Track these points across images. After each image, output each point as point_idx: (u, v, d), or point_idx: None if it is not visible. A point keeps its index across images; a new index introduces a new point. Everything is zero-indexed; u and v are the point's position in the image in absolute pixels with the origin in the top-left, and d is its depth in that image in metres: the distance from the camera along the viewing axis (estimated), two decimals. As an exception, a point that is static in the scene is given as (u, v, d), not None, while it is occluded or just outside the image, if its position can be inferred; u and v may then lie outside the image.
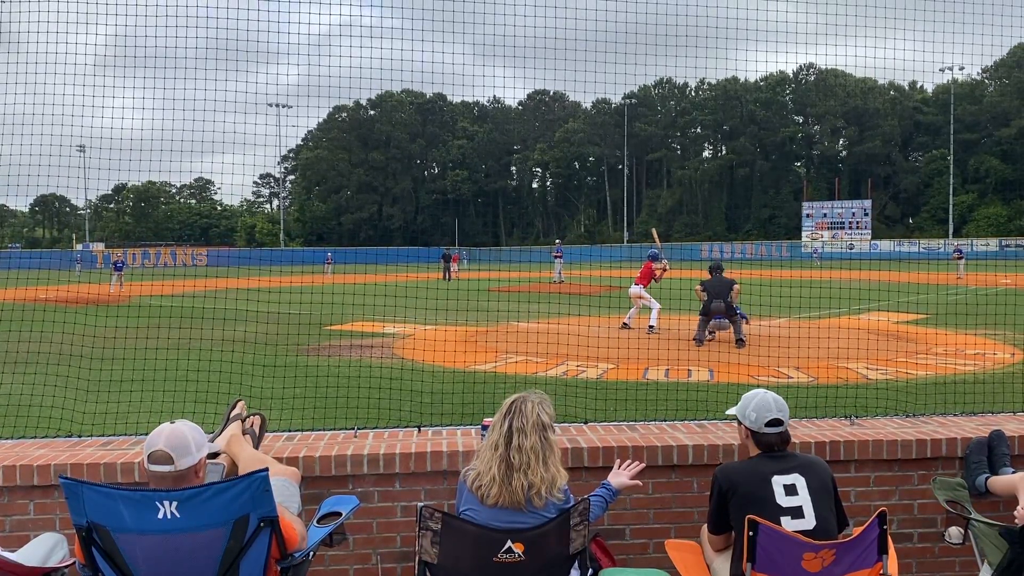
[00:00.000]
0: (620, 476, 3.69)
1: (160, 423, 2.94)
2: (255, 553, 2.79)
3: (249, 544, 2.77)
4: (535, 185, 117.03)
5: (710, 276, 15.42)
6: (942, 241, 71.07)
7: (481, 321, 15.90)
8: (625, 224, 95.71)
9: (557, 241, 45.38)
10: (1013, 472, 4.04)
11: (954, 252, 34.86)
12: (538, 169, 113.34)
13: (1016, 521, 3.34)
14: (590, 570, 3.16)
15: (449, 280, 36.68)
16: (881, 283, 26.04)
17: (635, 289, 16.93)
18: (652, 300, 16.53)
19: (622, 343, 13.09)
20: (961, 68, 68.11)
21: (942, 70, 69.14)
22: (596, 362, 11.98)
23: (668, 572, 3.30)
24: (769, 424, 3.31)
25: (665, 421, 4.87)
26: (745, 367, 10.97)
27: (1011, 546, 3.28)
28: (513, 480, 3.02)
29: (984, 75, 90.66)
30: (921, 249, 68.44)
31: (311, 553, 3.11)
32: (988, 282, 29.76)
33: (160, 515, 2.66)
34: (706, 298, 14.85)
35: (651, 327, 16.11)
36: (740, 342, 14.50)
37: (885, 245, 71.46)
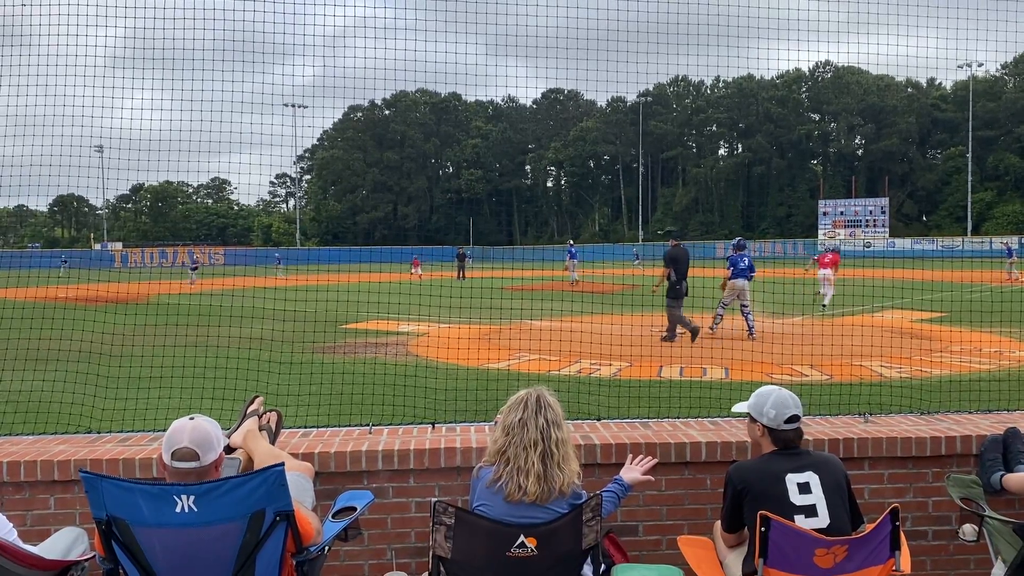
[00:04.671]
0: (633, 471, 3.71)
1: (177, 419, 2.98)
2: (271, 547, 2.82)
3: (265, 538, 2.80)
4: (549, 184, 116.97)
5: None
6: (960, 239, 70.46)
7: (495, 320, 15.94)
8: (640, 223, 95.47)
9: (570, 241, 45.22)
10: (1029, 470, 4.03)
11: (1007, 253, 33.61)
12: (552, 168, 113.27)
13: None
14: (603, 566, 3.17)
15: (463, 279, 36.85)
16: (897, 281, 25.88)
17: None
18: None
19: (635, 341, 13.08)
20: (980, 64, 67.12)
21: (960, 67, 68.38)
22: (610, 360, 11.98)
23: (681, 568, 3.31)
24: (788, 420, 3.31)
25: (679, 418, 4.88)
26: (759, 364, 10.94)
27: (1025, 544, 3.27)
28: (554, 474, 3.05)
29: (1003, 71, 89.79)
30: (939, 247, 67.83)
31: (326, 547, 3.14)
32: (1005, 280, 29.49)
33: (178, 509, 2.70)
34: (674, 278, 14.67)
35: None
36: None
37: (902, 243, 70.87)
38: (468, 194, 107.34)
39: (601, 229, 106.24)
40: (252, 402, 3.98)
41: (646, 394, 9.08)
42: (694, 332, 14.33)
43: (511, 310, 16.22)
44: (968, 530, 3.71)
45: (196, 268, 39.88)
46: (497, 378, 10.09)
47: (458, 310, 13.43)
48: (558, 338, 11.85)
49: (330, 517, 3.35)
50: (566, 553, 2.98)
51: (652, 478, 3.79)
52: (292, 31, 6.54)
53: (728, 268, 15.61)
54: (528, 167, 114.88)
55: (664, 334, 14.57)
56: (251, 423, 3.81)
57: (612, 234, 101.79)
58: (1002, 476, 4.09)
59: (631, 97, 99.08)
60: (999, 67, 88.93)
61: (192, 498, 2.70)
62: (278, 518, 2.80)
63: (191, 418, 2.92)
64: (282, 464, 2.83)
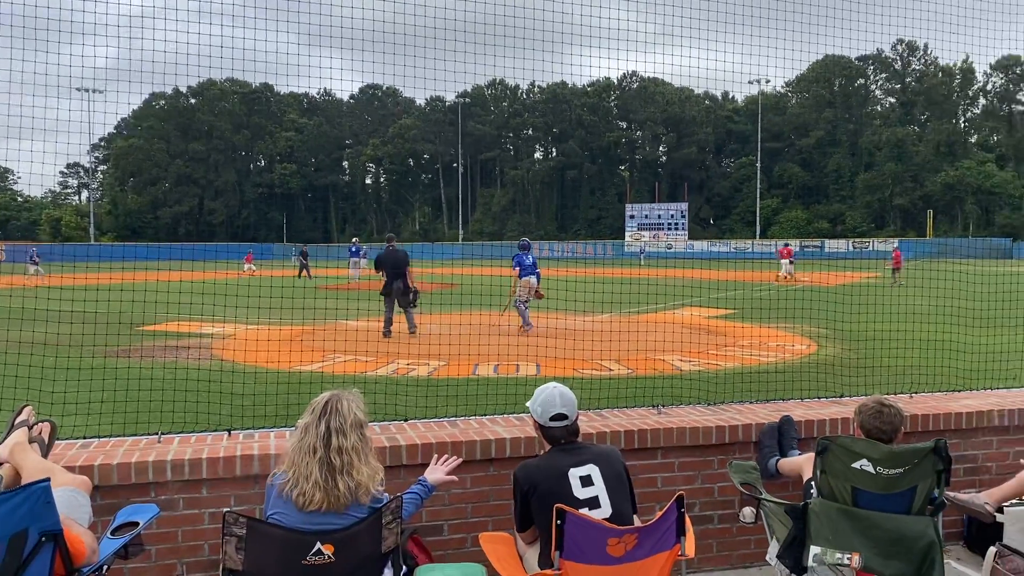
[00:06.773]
0: (437, 472, 3.71)
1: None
2: (35, 570, 2.57)
3: (28, 561, 2.54)
4: (369, 181, 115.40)
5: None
6: (750, 242, 76.56)
7: (308, 320, 15.49)
8: (460, 222, 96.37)
9: (354, 239, 43.74)
10: (799, 454, 4.40)
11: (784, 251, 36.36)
12: (371, 165, 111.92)
13: None
14: (404, 568, 3.14)
15: (308, 277, 35.79)
16: (694, 280, 27.70)
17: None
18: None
19: (454, 339, 13.14)
20: (767, 81, 73.52)
21: (751, 82, 74.50)
22: (427, 359, 11.97)
23: (483, 566, 3.34)
24: (553, 419, 3.42)
25: (486, 416, 4.94)
26: (565, 361, 11.32)
27: (795, 523, 3.56)
28: (339, 483, 2.95)
29: (787, 88, 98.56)
30: (732, 249, 73.28)
31: (104, 567, 2.91)
32: (788, 280, 32.33)
33: (-80, 534, 2.40)
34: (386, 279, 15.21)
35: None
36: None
37: (700, 245, 75.94)
38: (281, 189, 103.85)
39: (422, 228, 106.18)
40: (20, 412, 3.63)
41: (459, 392, 9.12)
42: (385, 332, 14.70)
43: (325, 310, 15.85)
44: (748, 513, 3.99)
45: (37, 263, 37.67)
46: (309, 380, 9.79)
47: (267, 311, 12.93)
48: (374, 338, 11.71)
49: (108, 534, 3.11)
50: (364, 558, 2.93)
51: (456, 478, 3.81)
52: (83, 8, 6.00)
53: (515, 268, 16.05)
54: (346, 163, 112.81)
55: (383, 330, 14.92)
56: (20, 435, 3.47)
57: (432, 233, 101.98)
58: (777, 461, 4.45)
59: (450, 97, 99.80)
60: (784, 84, 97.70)
61: (-62, 521, 2.41)
62: (43, 538, 2.56)
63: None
64: (47, 479, 2.59)
